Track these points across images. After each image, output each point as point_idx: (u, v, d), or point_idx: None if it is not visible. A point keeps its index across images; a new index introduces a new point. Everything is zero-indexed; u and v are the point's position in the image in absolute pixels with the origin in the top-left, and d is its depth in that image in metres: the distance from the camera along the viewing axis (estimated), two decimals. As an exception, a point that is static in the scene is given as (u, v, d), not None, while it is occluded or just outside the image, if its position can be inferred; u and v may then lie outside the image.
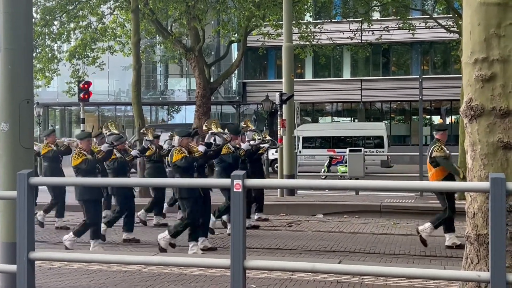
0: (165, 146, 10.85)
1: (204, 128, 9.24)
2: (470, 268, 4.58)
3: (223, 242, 9.05)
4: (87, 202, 8.28)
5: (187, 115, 35.52)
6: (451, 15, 19.12)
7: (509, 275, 4.03)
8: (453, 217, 8.49)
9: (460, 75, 4.89)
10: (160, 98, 37.92)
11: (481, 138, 4.55)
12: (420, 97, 14.64)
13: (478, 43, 4.59)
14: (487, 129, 4.52)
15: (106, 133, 9.35)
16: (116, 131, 9.47)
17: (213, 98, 26.52)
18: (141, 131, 9.77)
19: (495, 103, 4.50)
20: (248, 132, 10.84)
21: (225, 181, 4.66)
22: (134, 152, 10.29)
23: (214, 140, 9.16)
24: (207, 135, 9.01)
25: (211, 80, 23.35)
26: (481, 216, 4.52)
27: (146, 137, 10.89)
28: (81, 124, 20.39)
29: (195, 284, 5.85)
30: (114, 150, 9.22)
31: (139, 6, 17.59)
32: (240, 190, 4.35)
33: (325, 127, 29.82)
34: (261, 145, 10.78)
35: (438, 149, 8.53)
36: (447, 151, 8.58)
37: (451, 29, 19.61)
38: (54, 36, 21.94)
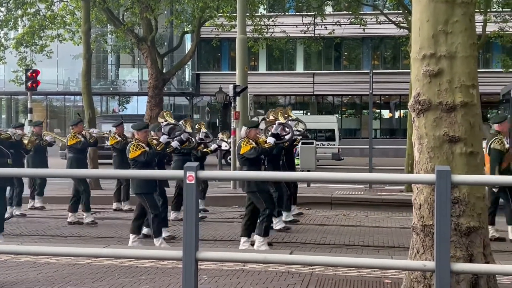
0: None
1: (271, 118, 8.89)
2: (416, 258, 4.72)
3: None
4: (147, 195, 7.86)
5: (139, 106, 35.05)
6: (401, 11, 19.51)
7: (453, 265, 4.18)
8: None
9: (409, 71, 5.02)
10: (111, 88, 37.25)
11: (428, 131, 4.69)
12: (370, 91, 14.94)
13: (426, 39, 4.71)
14: (434, 123, 4.66)
15: (163, 122, 8.90)
16: (172, 121, 9.02)
17: (165, 89, 26.21)
18: (180, 122, 9.34)
19: (442, 98, 4.64)
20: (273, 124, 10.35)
21: (178, 173, 4.63)
22: (174, 144, 9.40)
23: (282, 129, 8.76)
24: (275, 126, 8.69)
25: (164, 71, 23.07)
26: (427, 208, 4.66)
27: (185, 129, 10.53)
28: (29, 114, 19.76)
29: (146, 277, 5.80)
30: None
31: (90, -7, 17.19)
32: (193, 181, 4.34)
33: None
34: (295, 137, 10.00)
35: (498, 141, 8.37)
36: (507, 145, 8.41)
37: (401, 25, 20.00)
38: (0, 23, 21.18)
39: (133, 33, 21.74)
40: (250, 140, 7.93)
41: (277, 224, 9.27)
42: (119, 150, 10.82)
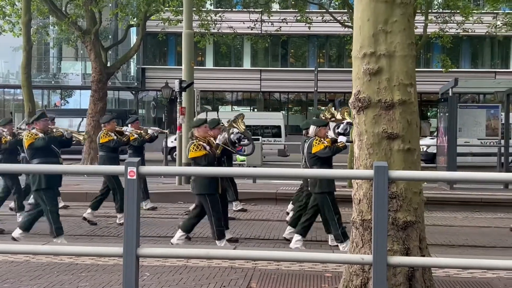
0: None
1: (338, 117, 8.62)
2: (356, 252, 4.83)
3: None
4: (211, 196, 7.55)
5: (82, 100, 34.20)
6: (346, 11, 19.86)
7: (390, 258, 4.30)
8: None
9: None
10: (53, 82, 36.21)
11: (367, 128, 4.80)
12: (316, 88, 15.14)
13: (367, 38, 4.82)
14: (373, 120, 4.77)
15: (234, 129, 8.59)
16: (243, 129, 8.74)
17: (110, 83, 25.75)
18: (234, 118, 8.98)
19: (381, 96, 4.76)
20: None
21: (119, 168, 4.56)
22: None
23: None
24: (342, 125, 8.44)
25: (108, 65, 22.62)
26: (366, 203, 4.78)
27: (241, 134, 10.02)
28: None
29: (87, 274, 5.70)
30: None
31: (31, -17, 16.65)
32: (135, 177, 4.28)
33: (225, 115, 29.98)
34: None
35: None
36: None
37: (346, 24, 20.38)
38: None
39: (77, 26, 21.22)
40: (321, 139, 7.71)
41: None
42: (134, 147, 10.36)
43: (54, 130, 8.43)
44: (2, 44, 27.88)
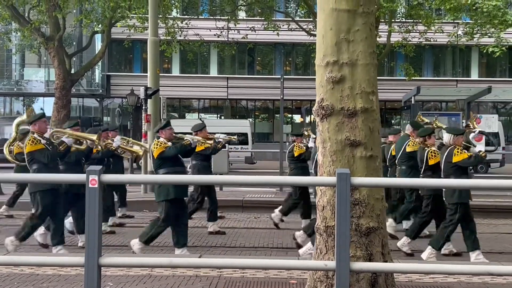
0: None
1: (471, 125, 8.42)
2: (320, 258, 4.87)
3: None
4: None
5: (45, 107, 33.57)
6: (311, 19, 20.07)
7: (353, 264, 4.35)
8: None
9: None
10: (15, 89, 35.48)
11: (330, 136, 4.85)
12: (282, 96, 15.22)
13: (330, 47, 4.88)
14: (336, 128, 4.83)
15: None
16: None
17: (74, 90, 25.38)
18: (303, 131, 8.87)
19: (344, 104, 4.83)
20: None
21: (81, 177, 4.49)
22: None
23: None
24: (472, 134, 8.28)
25: (72, 71, 22.32)
26: (329, 209, 4.82)
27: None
28: None
29: (48, 284, 5.58)
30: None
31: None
32: (96, 185, 4.23)
33: (192, 123, 29.87)
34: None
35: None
36: None
37: (312, 32, 20.59)
38: None
39: (40, 32, 20.88)
40: (462, 148, 7.47)
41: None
42: (205, 156, 9.82)
43: (181, 138, 8.03)
44: (-38, 50, 27.22)
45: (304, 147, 9.81)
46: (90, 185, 4.20)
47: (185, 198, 7.98)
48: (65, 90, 20.70)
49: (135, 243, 7.51)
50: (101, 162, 9.14)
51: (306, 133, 10.24)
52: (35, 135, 7.40)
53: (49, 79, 33.86)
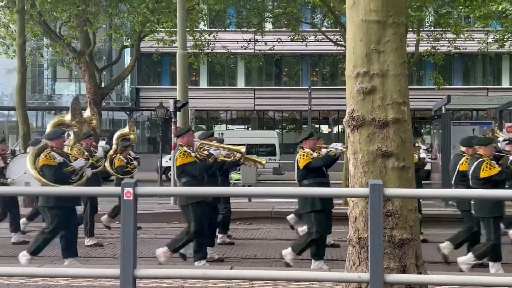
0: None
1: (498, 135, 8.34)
2: (352, 270, 4.84)
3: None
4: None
5: (77, 121, 34.14)
6: (338, 29, 20.04)
7: (387, 276, 4.32)
8: None
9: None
10: (47, 103, 36.20)
11: (362, 147, 4.84)
12: (310, 107, 15.22)
13: (360, 58, 4.89)
14: (368, 139, 4.82)
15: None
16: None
17: (104, 103, 25.77)
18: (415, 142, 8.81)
19: (375, 114, 4.81)
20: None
21: (116, 189, 4.56)
22: None
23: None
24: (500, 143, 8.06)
25: (102, 85, 22.69)
26: (362, 221, 4.80)
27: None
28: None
29: (83, 296, 5.67)
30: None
31: (25, 7, 16.74)
32: (131, 198, 4.30)
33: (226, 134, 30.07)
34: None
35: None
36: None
37: (339, 42, 20.54)
38: None
39: (71, 47, 21.31)
40: (491, 161, 7.22)
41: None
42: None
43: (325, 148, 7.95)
44: (-4, 66, 27.93)
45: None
46: (125, 198, 4.26)
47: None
48: (96, 103, 21.03)
49: (313, 263, 7.42)
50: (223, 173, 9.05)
51: (416, 144, 9.88)
52: (184, 148, 7.35)
53: (80, 93, 34.46)
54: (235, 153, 8.36)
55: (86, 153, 9.00)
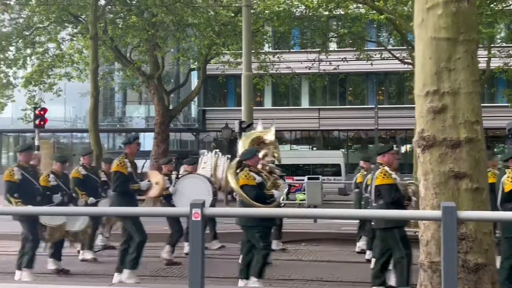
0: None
1: None
2: (424, 295, 4.68)
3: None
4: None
5: (145, 142, 35.14)
6: (405, 47, 19.74)
7: (461, 302, 4.14)
8: None
9: (414, 105, 5.05)
10: (118, 125, 37.53)
11: (433, 167, 4.70)
12: (376, 126, 14.99)
13: (429, 76, 4.77)
14: (439, 159, 4.67)
15: None
16: None
17: (172, 125, 26.45)
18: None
19: (446, 134, 4.67)
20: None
21: (184, 210, 4.63)
22: None
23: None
24: None
25: (170, 108, 23.31)
26: (434, 244, 4.64)
27: None
28: (36, 152, 19.95)
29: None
30: None
31: (98, 33, 17.51)
32: (199, 219, 4.34)
33: (284, 155, 30.02)
34: None
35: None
36: None
37: (405, 60, 20.22)
38: (9, 62, 21.55)
39: (140, 71, 22.06)
40: None
41: None
42: None
43: None
44: (70, 90, 29.27)
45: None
46: (193, 218, 4.32)
47: None
48: (164, 125, 21.61)
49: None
50: None
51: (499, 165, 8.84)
52: (385, 168, 6.96)
53: (149, 115, 35.51)
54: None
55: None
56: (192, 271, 4.33)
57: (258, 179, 7.23)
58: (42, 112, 19.37)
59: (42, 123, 19.31)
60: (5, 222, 10.53)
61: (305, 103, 36.55)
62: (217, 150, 10.93)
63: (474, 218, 4.43)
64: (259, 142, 8.31)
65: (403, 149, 35.29)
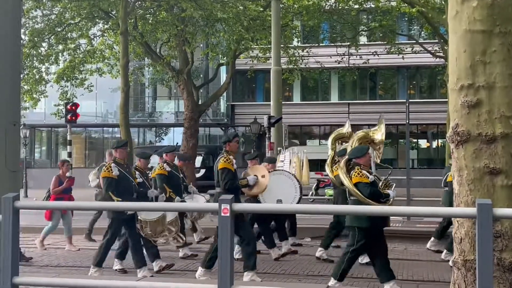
0: None
1: None
2: (458, 294, 4.57)
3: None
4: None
5: (175, 137, 35.44)
6: (437, 41, 19.40)
7: (497, 301, 4.03)
8: None
9: (446, 100, 4.93)
10: (148, 120, 37.88)
11: (467, 163, 4.58)
12: (407, 121, 14.76)
13: (464, 70, 4.65)
14: (474, 155, 4.55)
15: None
16: None
17: (201, 120, 26.56)
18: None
19: (481, 129, 4.55)
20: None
21: (213, 205, 4.62)
22: None
23: None
24: None
25: (200, 103, 23.41)
26: (468, 242, 4.53)
27: None
28: (68, 146, 20.27)
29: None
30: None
31: (128, 28, 17.66)
32: (228, 214, 4.32)
33: (313, 149, 29.91)
34: None
35: None
36: None
37: (437, 54, 19.88)
38: (42, 58, 21.93)
39: (170, 66, 22.20)
40: None
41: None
42: None
43: None
44: (101, 85, 29.63)
45: None
46: (222, 214, 4.30)
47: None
48: (193, 120, 21.72)
49: None
50: None
51: None
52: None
53: (179, 110, 35.75)
54: None
55: None
56: (221, 266, 4.32)
57: (371, 177, 7.06)
58: (74, 107, 19.63)
59: (74, 118, 19.56)
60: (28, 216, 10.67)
61: (334, 97, 36.27)
62: (293, 148, 10.78)
63: (511, 216, 4.30)
64: (367, 141, 8.08)
65: (434, 144, 34.78)
